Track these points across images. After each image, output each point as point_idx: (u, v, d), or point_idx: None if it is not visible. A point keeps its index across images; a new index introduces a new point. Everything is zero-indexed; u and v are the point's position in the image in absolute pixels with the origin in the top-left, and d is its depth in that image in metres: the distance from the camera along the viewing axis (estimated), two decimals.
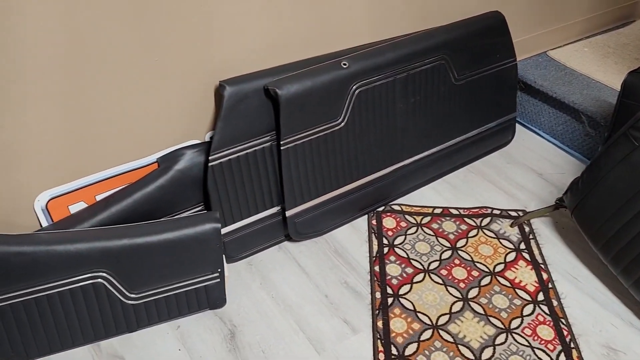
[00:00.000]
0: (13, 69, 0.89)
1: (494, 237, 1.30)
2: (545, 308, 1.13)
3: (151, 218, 1.10)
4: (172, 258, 1.03)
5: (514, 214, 1.35)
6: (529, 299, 1.15)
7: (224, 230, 1.16)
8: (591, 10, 1.76)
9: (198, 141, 1.17)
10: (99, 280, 1.00)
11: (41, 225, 1.06)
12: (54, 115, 0.97)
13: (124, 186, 1.11)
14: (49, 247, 0.95)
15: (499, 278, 1.20)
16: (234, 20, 1.08)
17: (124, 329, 1.06)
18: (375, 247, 1.26)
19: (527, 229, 1.32)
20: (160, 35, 1.01)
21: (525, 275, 1.20)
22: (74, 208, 1.08)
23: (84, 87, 0.97)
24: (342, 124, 1.20)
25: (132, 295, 1.03)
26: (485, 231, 1.31)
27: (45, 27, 0.89)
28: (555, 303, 1.14)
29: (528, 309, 1.13)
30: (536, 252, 1.26)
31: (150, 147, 1.11)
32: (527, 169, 1.49)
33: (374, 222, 1.33)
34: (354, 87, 1.19)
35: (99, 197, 1.10)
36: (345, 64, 1.17)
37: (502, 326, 1.10)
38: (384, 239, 1.29)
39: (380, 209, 1.36)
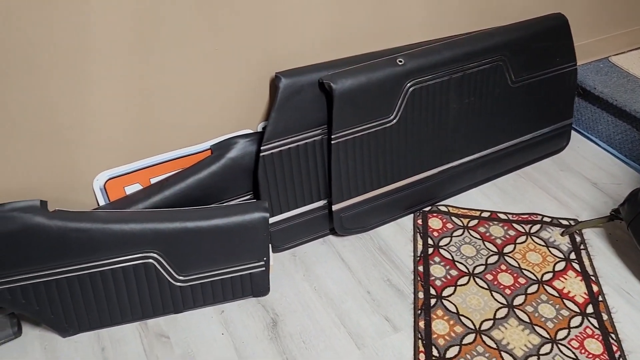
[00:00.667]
0: (81, 49, 0.92)
1: (543, 245, 1.26)
2: (594, 321, 1.10)
3: (202, 203, 1.12)
4: (221, 244, 1.05)
5: (565, 222, 1.32)
6: (578, 310, 1.12)
7: (271, 220, 1.18)
8: None
9: (251, 131, 1.19)
10: (150, 260, 1.03)
11: (98, 204, 1.10)
12: (117, 97, 1.00)
13: (177, 171, 1.14)
14: (105, 226, 0.99)
15: (546, 287, 1.17)
16: (295, 12, 1.09)
17: (170, 309, 1.09)
18: (419, 247, 1.25)
19: (578, 238, 1.28)
20: (222, 24, 1.02)
21: (574, 286, 1.17)
22: (130, 189, 1.11)
23: (146, 71, 1.00)
24: (394, 121, 1.19)
25: (180, 278, 1.06)
26: (534, 238, 1.28)
27: (113, 10, 0.92)
28: (605, 317, 1.11)
29: (576, 320, 1.10)
30: (587, 263, 1.22)
31: (205, 134, 1.14)
32: (580, 178, 1.44)
33: (419, 221, 1.32)
34: (408, 84, 1.18)
35: (153, 180, 1.13)
36: (400, 61, 1.16)
37: (547, 336, 1.07)
38: (429, 239, 1.27)
39: (427, 209, 1.35)
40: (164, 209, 1.05)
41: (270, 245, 1.10)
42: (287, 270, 1.19)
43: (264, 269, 1.10)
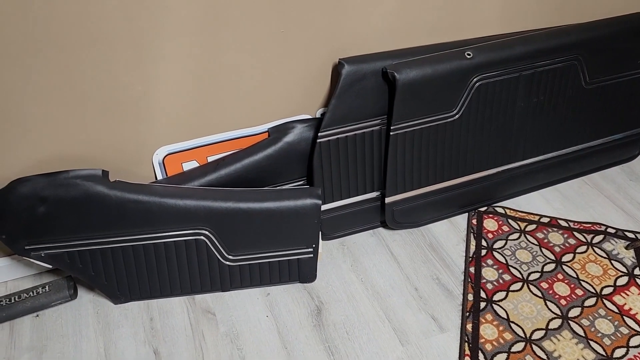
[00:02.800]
0: (152, 26, 0.94)
1: (605, 257, 1.20)
2: None
3: (256, 185, 1.13)
4: (271, 227, 1.05)
5: (631, 235, 1.24)
6: (639, 329, 1.05)
7: (322, 208, 1.17)
8: None
9: (309, 116, 1.18)
10: (202, 237, 1.04)
11: (156, 178, 1.12)
12: (183, 74, 1.01)
13: (234, 151, 1.15)
14: (162, 200, 1.00)
15: (605, 301, 1.11)
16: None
17: (218, 287, 1.10)
18: (472, 248, 1.21)
19: None
20: (291, 5, 1.01)
21: (637, 303, 1.10)
22: (187, 165, 1.13)
23: (214, 51, 1.01)
24: (457, 116, 1.15)
25: (230, 257, 1.07)
26: (595, 249, 1.21)
27: None
28: None
29: (636, 340, 1.04)
30: None
31: (263, 116, 1.14)
32: None
33: (474, 221, 1.28)
34: (475, 79, 1.13)
35: (210, 159, 1.14)
36: (469, 54, 1.12)
37: (603, 353, 1.02)
38: (483, 240, 1.23)
39: (483, 209, 1.30)
40: (218, 187, 1.06)
41: (320, 232, 1.09)
42: (335, 259, 1.18)
43: (312, 255, 1.10)
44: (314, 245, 1.09)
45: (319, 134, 1.09)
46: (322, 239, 1.21)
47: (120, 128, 1.03)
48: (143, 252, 1.04)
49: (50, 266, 1.02)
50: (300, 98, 1.15)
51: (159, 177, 1.11)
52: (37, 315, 1.07)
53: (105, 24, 0.90)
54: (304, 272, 1.12)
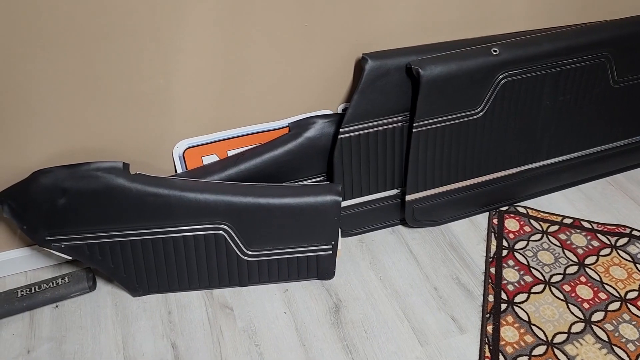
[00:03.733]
0: (173, 18, 0.93)
1: (629, 261, 1.17)
2: None
3: (276, 180, 1.12)
4: (291, 223, 1.05)
5: None
6: None
7: (342, 204, 1.16)
8: None
9: (330, 112, 1.17)
10: (221, 232, 1.03)
11: (176, 171, 1.12)
12: (203, 67, 1.00)
13: (254, 145, 1.14)
14: (181, 193, 1.00)
15: (630, 306, 1.08)
16: None
17: (236, 282, 1.10)
18: (493, 248, 1.19)
19: None
20: (314, 0, 1.00)
21: None
22: (207, 159, 1.12)
23: (236, 44, 1.00)
24: (481, 114, 1.13)
25: (249, 252, 1.06)
26: (620, 252, 1.19)
27: None
28: None
29: None
30: None
31: (284, 111, 1.13)
32: None
33: (495, 221, 1.26)
34: (501, 76, 1.11)
35: (230, 153, 1.13)
36: (495, 51, 1.09)
37: (627, 359, 1.00)
38: (504, 240, 1.21)
39: (504, 208, 1.28)
40: (238, 182, 1.05)
41: (340, 229, 1.08)
42: (354, 257, 1.17)
43: (331, 252, 1.09)
44: (333, 242, 1.08)
45: (341, 130, 1.08)
46: (341, 236, 1.20)
47: (141, 121, 1.02)
48: (162, 245, 1.03)
49: (70, 257, 1.02)
50: (321, 93, 1.13)
51: (179, 170, 1.11)
52: (57, 306, 1.07)
53: (127, 16, 0.89)
54: (323, 269, 1.11)
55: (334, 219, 1.06)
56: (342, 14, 1.04)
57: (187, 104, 1.04)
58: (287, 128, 1.14)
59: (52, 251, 1.00)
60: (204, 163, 1.12)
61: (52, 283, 1.06)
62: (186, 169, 1.11)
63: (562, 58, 1.14)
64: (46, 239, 0.99)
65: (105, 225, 1.00)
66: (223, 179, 1.07)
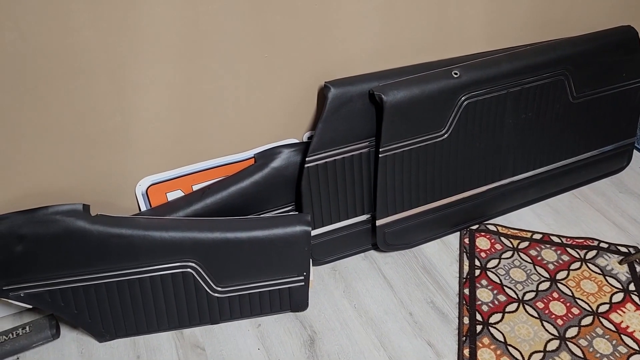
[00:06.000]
0: (131, 55, 0.91)
1: (599, 273, 1.18)
2: None
3: (244, 212, 1.10)
4: (261, 256, 1.02)
5: (624, 249, 1.23)
6: (637, 348, 1.04)
7: (312, 233, 1.14)
8: None
9: (296, 140, 1.15)
10: (189, 269, 1.01)
11: (140, 209, 1.08)
12: (163, 102, 0.98)
13: (220, 178, 1.12)
14: (146, 233, 0.97)
15: (602, 320, 1.09)
16: (347, 20, 1.04)
17: (207, 320, 1.06)
18: (466, 268, 1.19)
19: (638, 268, 1.19)
20: (273, 31, 0.99)
21: (633, 320, 1.09)
22: (172, 195, 1.10)
23: (194, 77, 0.98)
24: (446, 135, 1.14)
25: (218, 289, 1.03)
26: (589, 265, 1.20)
27: (162, 16, 0.89)
28: None
29: (635, 359, 1.02)
30: None
31: (249, 142, 1.11)
32: None
33: (466, 240, 1.26)
34: (463, 98, 1.12)
35: (195, 187, 1.11)
36: (456, 73, 1.10)
37: None
38: (476, 260, 1.21)
39: (475, 227, 1.29)
40: (204, 217, 1.03)
41: (311, 259, 1.07)
42: (327, 286, 1.15)
43: (303, 284, 1.07)
44: (305, 273, 1.06)
45: (307, 159, 1.07)
46: (313, 265, 1.19)
47: (100, 160, 0.99)
48: (128, 287, 1.00)
49: (31, 306, 0.97)
50: (286, 122, 1.12)
51: (143, 208, 1.08)
52: (18, 358, 1.02)
53: (81, 55, 0.87)
54: (296, 300, 1.09)
55: (304, 249, 1.04)
56: (302, 44, 1.03)
57: (148, 140, 1.01)
58: (253, 159, 1.12)
59: (10, 301, 0.96)
60: (169, 199, 1.09)
61: (12, 334, 1.01)
62: (150, 206, 1.09)
63: (521, 77, 1.16)
64: (3, 288, 0.95)
65: (67, 271, 0.96)
66: (189, 214, 1.05)
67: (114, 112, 0.95)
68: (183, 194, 1.10)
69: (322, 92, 1.08)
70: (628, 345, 1.04)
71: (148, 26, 0.89)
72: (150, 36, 0.90)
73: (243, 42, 0.98)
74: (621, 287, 1.15)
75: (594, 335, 1.06)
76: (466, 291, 1.14)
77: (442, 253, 1.23)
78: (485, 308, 1.11)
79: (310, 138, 1.11)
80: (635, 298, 1.13)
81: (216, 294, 1.04)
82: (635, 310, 1.11)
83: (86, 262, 0.96)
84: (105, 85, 0.92)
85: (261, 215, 1.12)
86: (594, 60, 1.23)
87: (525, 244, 1.25)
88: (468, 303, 1.12)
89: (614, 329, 1.07)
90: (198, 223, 1.01)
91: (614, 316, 1.10)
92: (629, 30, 1.26)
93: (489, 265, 1.20)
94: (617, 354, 1.03)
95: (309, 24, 1.01)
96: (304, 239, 1.03)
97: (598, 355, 1.03)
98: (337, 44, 1.07)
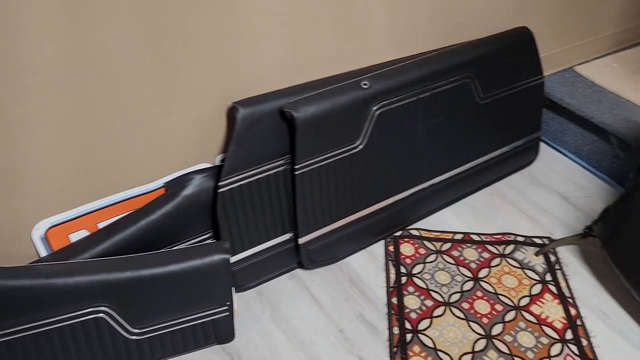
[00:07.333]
0: (15, 91, 0.82)
1: (518, 267, 1.22)
2: (574, 348, 1.06)
3: (157, 247, 1.03)
4: (179, 291, 0.97)
5: (538, 241, 1.28)
6: (557, 337, 1.08)
7: (233, 259, 1.10)
8: (619, 24, 1.68)
9: (208, 164, 1.10)
10: (100, 315, 0.93)
11: (39, 255, 0.99)
12: (56, 139, 0.90)
13: (128, 213, 1.04)
14: (48, 281, 0.89)
15: (524, 313, 1.13)
16: (252, 38, 1.01)
17: None
18: (392, 277, 1.19)
19: (553, 258, 1.24)
20: (173, 55, 0.94)
21: (552, 310, 1.13)
22: (75, 236, 1.01)
23: (88, 109, 0.91)
24: (361, 146, 1.13)
25: (135, 331, 0.97)
26: (508, 260, 1.24)
27: (49, 44, 0.82)
28: (584, 342, 1.07)
29: (556, 348, 1.06)
30: (563, 284, 1.19)
31: (157, 171, 1.05)
32: (551, 192, 1.41)
33: (391, 248, 1.26)
34: (375, 108, 1.12)
35: (101, 225, 1.03)
36: (366, 84, 1.10)
37: None
38: (401, 267, 1.22)
39: (398, 234, 1.29)
40: (113, 257, 0.96)
41: (233, 288, 1.02)
42: (253, 312, 1.11)
43: (227, 314, 1.02)
44: (228, 303, 1.02)
45: (220, 184, 1.02)
46: (237, 291, 1.14)
47: None
48: (33, 343, 0.91)
49: None
50: (196, 147, 1.07)
51: (43, 253, 0.99)
52: None
53: None
54: (221, 332, 1.04)
55: (225, 278, 0.99)
56: (205, 65, 0.98)
57: (41, 180, 0.93)
58: (163, 189, 1.06)
59: None
60: (72, 241, 1.01)
61: None
62: (52, 250, 1.00)
63: (430, 83, 1.17)
64: None
65: None
66: (96, 255, 0.97)
67: None
68: (88, 234, 1.02)
69: (231, 113, 1.04)
70: (549, 335, 1.08)
71: (30, 58, 0.81)
72: (35, 70, 0.82)
73: (141, 69, 0.92)
74: (539, 279, 1.20)
75: (518, 329, 1.10)
76: (394, 300, 1.14)
77: (369, 264, 1.22)
78: (413, 315, 1.12)
79: (223, 161, 1.07)
80: (552, 288, 1.18)
81: (134, 337, 0.97)
82: (553, 300, 1.15)
83: None
84: None
85: (176, 248, 1.07)
86: (496, 61, 1.27)
87: (448, 245, 1.27)
88: (397, 312, 1.12)
89: (535, 320, 1.11)
90: (106, 263, 0.94)
91: (534, 308, 1.13)
92: (524, 31, 1.31)
93: (415, 270, 1.21)
94: (540, 345, 1.07)
95: (211, 44, 0.97)
96: (224, 267, 0.98)
97: (522, 349, 1.06)
98: (243, 63, 1.03)
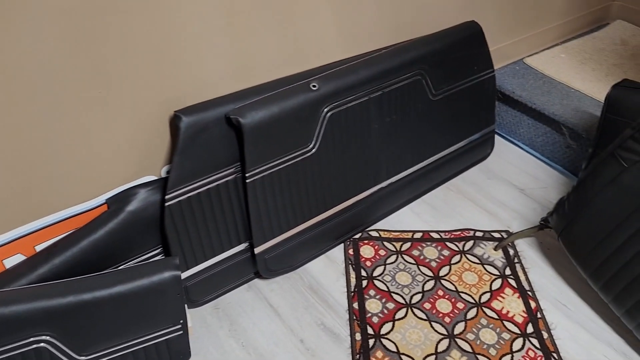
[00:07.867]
0: None
1: (477, 263, 1.22)
2: (535, 341, 1.06)
3: (101, 267, 0.98)
4: (127, 313, 0.92)
5: (497, 235, 1.28)
6: (518, 331, 1.08)
7: (186, 274, 1.05)
8: (565, 14, 1.70)
9: (154, 177, 1.05)
10: (42, 344, 0.87)
11: None
12: None
13: (68, 233, 0.98)
14: None
15: (485, 309, 1.12)
16: (192, 43, 0.96)
17: None
18: (353, 281, 1.17)
19: (511, 251, 1.24)
20: (106, 64, 0.88)
21: (512, 304, 1.13)
22: (10, 262, 0.94)
23: (17, 126, 0.84)
24: (314, 150, 1.10)
25: (82, 358, 0.91)
26: (468, 256, 1.23)
27: None
28: (545, 335, 1.07)
29: (518, 343, 1.06)
30: (522, 277, 1.19)
31: (98, 187, 0.99)
32: (507, 185, 1.42)
33: (350, 251, 1.23)
34: (325, 109, 1.09)
35: (39, 248, 0.96)
36: (314, 86, 1.06)
37: None
38: (362, 270, 1.19)
39: (357, 236, 1.27)
40: (53, 281, 0.90)
41: (186, 305, 0.98)
42: (210, 327, 1.07)
43: (181, 332, 0.98)
44: (181, 321, 0.97)
45: (167, 197, 0.97)
46: (192, 307, 1.09)
47: None
48: None
49: None
50: (139, 159, 1.01)
51: None
52: None
53: None
54: (176, 352, 0.99)
55: (176, 295, 0.95)
56: (143, 73, 0.93)
57: None
58: (106, 205, 1.00)
59: None
60: (7, 267, 0.94)
61: None
62: None
63: (380, 81, 1.15)
64: None
65: None
66: (34, 281, 0.91)
67: None
68: (25, 258, 0.95)
69: (174, 122, 0.99)
70: (510, 331, 1.08)
71: None
72: None
73: (70, 81, 0.86)
74: (498, 274, 1.19)
75: (480, 326, 1.09)
76: (355, 305, 1.12)
77: (328, 269, 1.19)
78: (375, 320, 1.09)
79: (169, 173, 1.02)
80: (512, 282, 1.18)
81: None
82: (513, 294, 1.15)
83: None
84: None
85: (122, 267, 1.01)
86: (446, 56, 1.25)
87: (408, 245, 1.26)
88: (358, 318, 1.10)
89: (496, 316, 1.11)
90: (46, 289, 0.88)
91: (495, 304, 1.13)
92: (473, 26, 1.30)
93: (375, 273, 1.19)
94: (502, 341, 1.06)
95: (146, 52, 0.91)
96: (174, 284, 0.93)
97: (485, 346, 1.05)
98: (183, 70, 0.98)
